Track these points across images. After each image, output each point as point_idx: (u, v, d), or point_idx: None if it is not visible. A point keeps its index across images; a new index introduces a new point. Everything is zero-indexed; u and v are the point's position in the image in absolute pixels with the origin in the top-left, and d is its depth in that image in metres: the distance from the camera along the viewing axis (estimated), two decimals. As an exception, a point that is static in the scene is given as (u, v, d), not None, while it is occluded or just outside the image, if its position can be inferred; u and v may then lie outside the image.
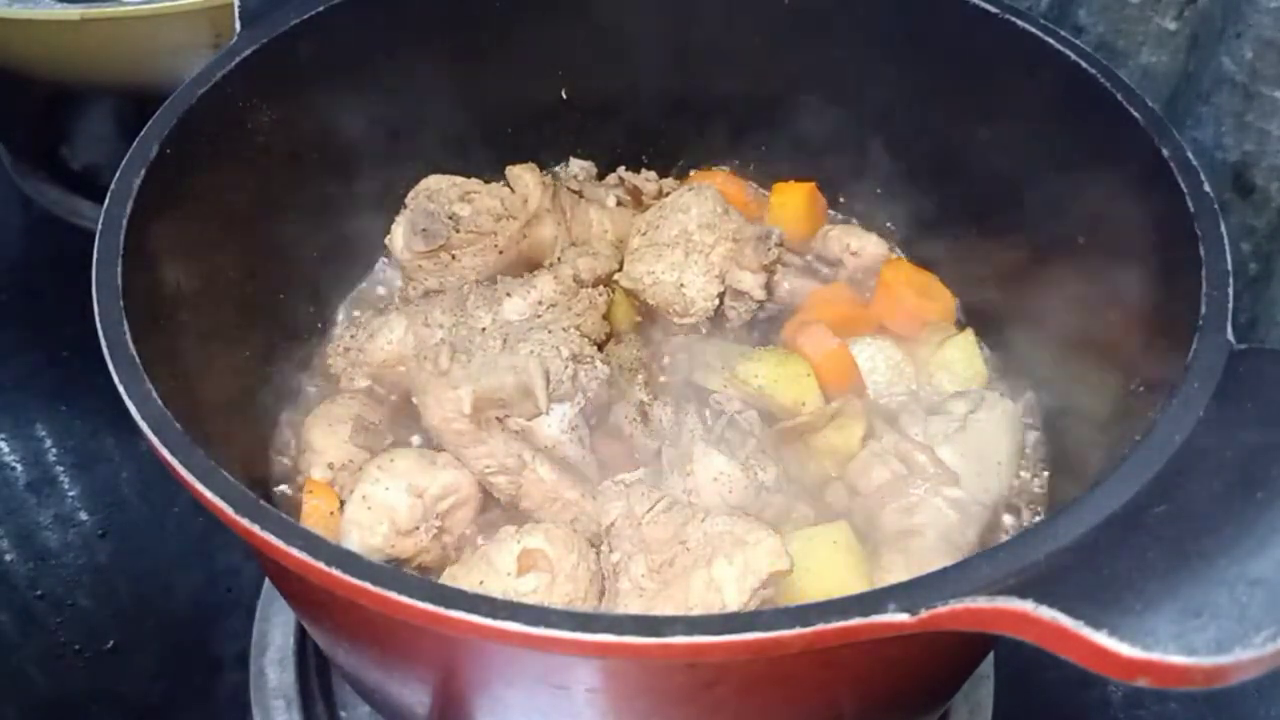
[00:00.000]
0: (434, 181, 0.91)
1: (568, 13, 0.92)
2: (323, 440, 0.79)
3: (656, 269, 0.89)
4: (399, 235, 0.88)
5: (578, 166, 1.01)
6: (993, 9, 0.79)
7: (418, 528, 0.73)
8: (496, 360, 0.77)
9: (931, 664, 0.65)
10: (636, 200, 1.00)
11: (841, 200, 0.99)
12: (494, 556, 0.70)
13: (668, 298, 0.88)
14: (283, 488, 0.81)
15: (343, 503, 0.75)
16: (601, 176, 1.02)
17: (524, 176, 0.90)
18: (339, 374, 0.86)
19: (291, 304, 0.86)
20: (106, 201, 0.66)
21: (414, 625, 0.49)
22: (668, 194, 0.96)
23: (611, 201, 0.97)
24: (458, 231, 0.87)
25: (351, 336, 0.86)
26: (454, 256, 0.88)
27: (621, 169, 1.01)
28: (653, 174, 1.01)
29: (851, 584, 0.72)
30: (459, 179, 0.91)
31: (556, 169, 1.01)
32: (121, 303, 0.61)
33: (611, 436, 0.84)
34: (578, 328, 0.83)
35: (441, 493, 0.74)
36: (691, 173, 1.03)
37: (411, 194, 0.90)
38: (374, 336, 0.84)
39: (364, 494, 0.73)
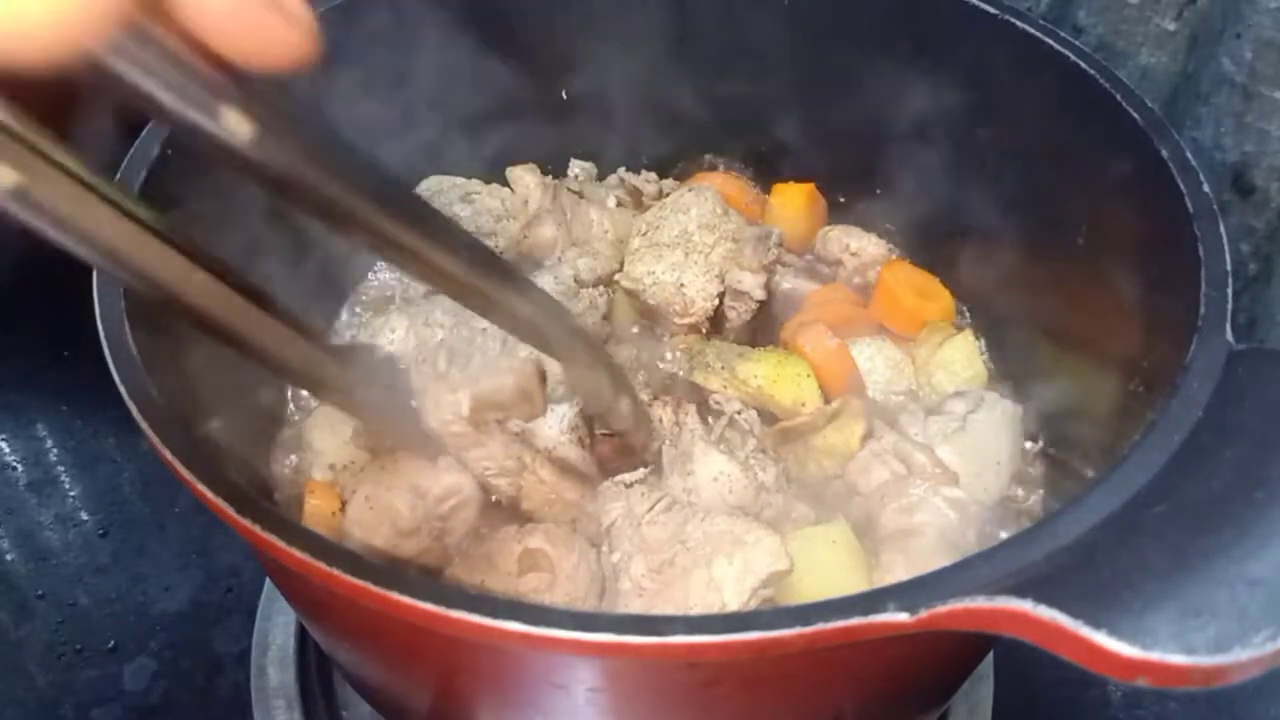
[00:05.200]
0: (435, 182, 0.91)
1: (568, 12, 0.92)
2: (323, 441, 0.79)
3: (656, 269, 0.89)
4: None
5: (578, 167, 1.01)
6: (992, 9, 0.79)
7: (419, 528, 0.73)
8: (496, 362, 0.77)
9: (931, 664, 0.65)
10: (636, 201, 1.00)
11: (841, 200, 0.99)
12: (495, 557, 0.70)
13: (667, 298, 0.88)
14: (284, 488, 0.81)
15: (344, 503, 0.76)
16: (601, 177, 1.02)
17: (524, 177, 0.91)
18: None
19: (292, 304, 0.86)
20: (107, 202, 0.66)
21: (415, 625, 0.49)
22: (668, 194, 0.96)
23: (611, 202, 0.98)
24: (458, 232, 0.87)
25: (352, 336, 0.86)
26: (454, 257, 0.88)
27: (621, 169, 1.01)
28: (653, 175, 1.01)
29: (851, 584, 0.72)
30: (459, 179, 0.91)
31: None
32: (122, 303, 0.61)
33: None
34: (578, 328, 0.83)
35: (444, 493, 0.74)
36: (692, 174, 1.03)
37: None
38: (375, 336, 0.84)
39: (366, 494, 0.73)
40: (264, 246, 0.81)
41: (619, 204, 0.98)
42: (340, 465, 0.78)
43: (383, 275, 0.94)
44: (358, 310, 0.92)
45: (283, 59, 0.34)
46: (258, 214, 0.80)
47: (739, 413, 0.80)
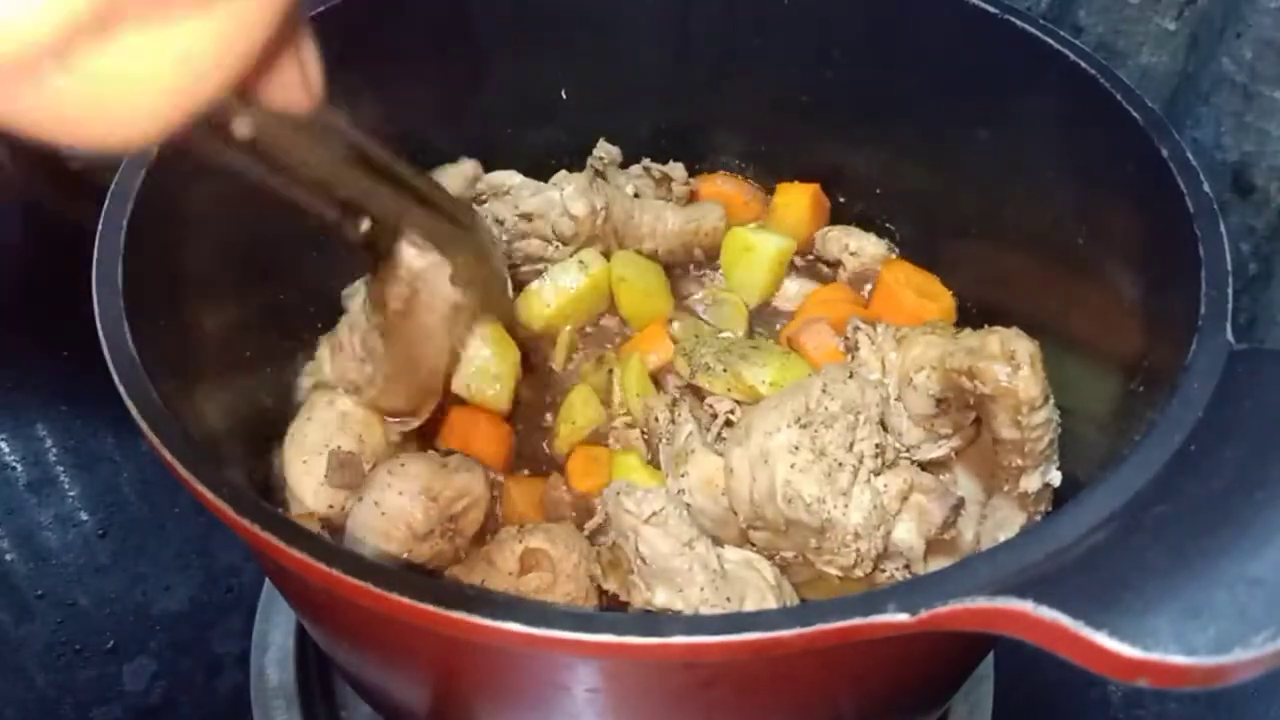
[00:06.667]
0: (505, 177, 0.91)
1: (568, 13, 0.92)
2: (298, 479, 0.76)
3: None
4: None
5: (604, 149, 0.99)
6: (993, 9, 0.79)
7: (433, 531, 0.73)
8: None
9: (931, 664, 0.65)
10: (665, 187, 0.98)
11: (841, 200, 0.99)
12: (495, 557, 0.70)
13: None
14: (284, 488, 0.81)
15: (323, 522, 0.75)
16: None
17: (576, 203, 0.90)
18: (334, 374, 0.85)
19: (292, 304, 0.86)
20: (106, 201, 0.66)
21: (415, 625, 0.49)
22: (691, 183, 0.96)
23: (630, 190, 0.96)
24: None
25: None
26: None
27: (646, 160, 1.00)
28: (679, 165, 1.00)
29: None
30: (528, 180, 0.92)
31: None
32: (121, 303, 0.61)
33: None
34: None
35: (456, 495, 0.74)
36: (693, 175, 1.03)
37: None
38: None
39: (375, 500, 0.72)
40: (263, 246, 0.81)
41: (636, 195, 0.96)
42: (319, 513, 0.76)
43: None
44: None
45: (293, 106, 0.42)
46: (257, 214, 0.80)
47: (731, 413, 0.80)
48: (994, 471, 0.75)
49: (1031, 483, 0.71)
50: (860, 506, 0.68)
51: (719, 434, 0.78)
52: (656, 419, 0.81)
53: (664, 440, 0.79)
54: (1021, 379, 0.68)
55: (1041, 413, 0.69)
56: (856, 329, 0.79)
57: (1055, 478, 0.72)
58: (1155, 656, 0.42)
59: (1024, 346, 0.69)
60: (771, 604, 0.67)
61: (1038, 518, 0.74)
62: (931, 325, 0.79)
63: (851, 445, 0.70)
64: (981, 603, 0.46)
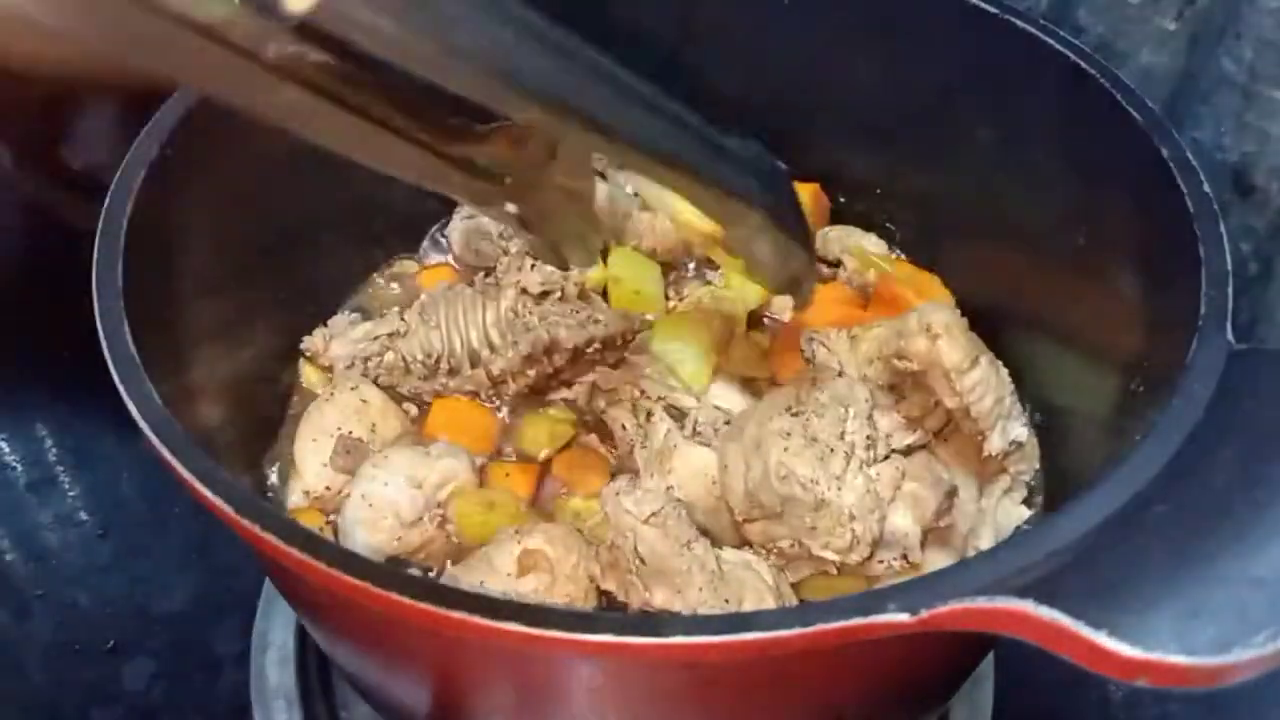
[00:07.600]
0: None
1: (566, 13, 0.91)
2: (304, 455, 0.78)
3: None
4: None
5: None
6: (992, 9, 0.79)
7: (421, 518, 0.74)
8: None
9: (932, 664, 0.65)
10: None
11: (841, 200, 0.99)
12: (494, 557, 0.70)
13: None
14: (284, 488, 0.81)
15: (328, 518, 0.76)
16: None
17: None
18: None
19: (293, 304, 0.86)
20: (107, 201, 0.66)
21: (415, 625, 0.49)
22: None
23: (629, 189, 0.96)
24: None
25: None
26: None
27: None
28: None
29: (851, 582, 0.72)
30: None
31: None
32: (121, 303, 0.61)
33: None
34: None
35: (441, 480, 0.75)
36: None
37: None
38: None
39: (363, 493, 0.73)
40: (263, 246, 0.81)
41: (636, 193, 0.96)
42: (314, 493, 0.77)
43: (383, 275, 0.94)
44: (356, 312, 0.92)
45: None
46: (257, 214, 0.80)
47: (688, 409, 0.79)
48: (978, 458, 0.76)
49: (994, 443, 0.72)
50: (854, 488, 0.70)
51: (695, 428, 0.78)
52: (624, 427, 0.79)
53: (638, 444, 0.78)
54: (941, 348, 0.69)
55: (972, 375, 0.70)
56: (811, 340, 0.80)
57: (1020, 434, 0.74)
58: (1155, 656, 0.42)
59: (939, 318, 0.70)
60: (770, 605, 0.67)
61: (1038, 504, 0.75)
62: (879, 321, 0.79)
63: (843, 435, 0.71)
64: (981, 603, 0.46)
